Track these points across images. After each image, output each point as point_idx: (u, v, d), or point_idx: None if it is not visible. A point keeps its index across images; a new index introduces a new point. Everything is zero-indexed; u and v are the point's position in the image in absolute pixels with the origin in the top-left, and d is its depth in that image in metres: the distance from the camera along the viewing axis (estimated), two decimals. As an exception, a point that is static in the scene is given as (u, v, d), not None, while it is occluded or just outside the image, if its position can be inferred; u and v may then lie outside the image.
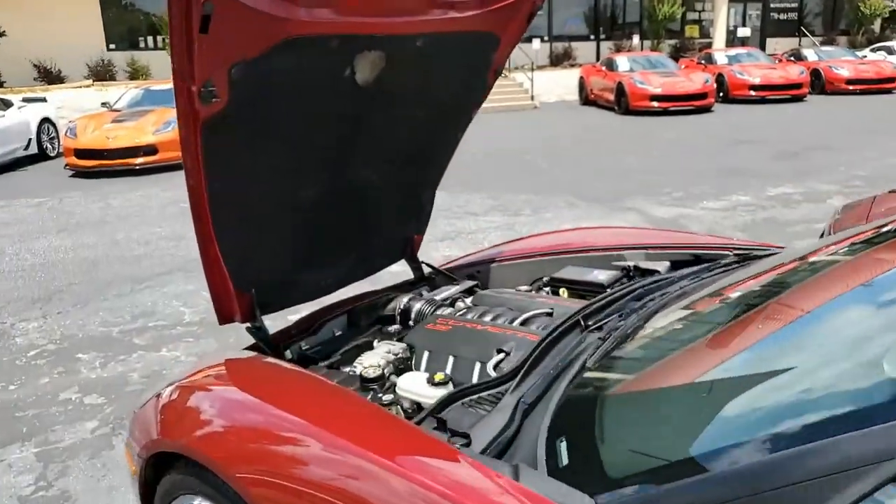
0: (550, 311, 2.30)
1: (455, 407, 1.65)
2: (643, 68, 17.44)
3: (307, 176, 2.42)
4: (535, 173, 9.76)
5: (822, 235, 4.24)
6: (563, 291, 2.59)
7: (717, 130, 13.19)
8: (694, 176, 8.90)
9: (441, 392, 1.80)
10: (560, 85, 20.88)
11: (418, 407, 1.85)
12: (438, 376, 1.82)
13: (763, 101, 17.55)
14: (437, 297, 2.69)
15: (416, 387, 1.84)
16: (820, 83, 18.95)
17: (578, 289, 2.58)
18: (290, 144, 2.22)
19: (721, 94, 17.82)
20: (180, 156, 1.93)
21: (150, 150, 11.16)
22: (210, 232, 2.15)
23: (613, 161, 10.45)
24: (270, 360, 2.17)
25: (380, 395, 1.82)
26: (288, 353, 2.40)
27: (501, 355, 1.96)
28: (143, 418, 1.99)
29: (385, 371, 1.98)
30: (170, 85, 12.94)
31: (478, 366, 2.01)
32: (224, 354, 2.41)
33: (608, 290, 2.52)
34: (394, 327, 2.38)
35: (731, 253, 2.57)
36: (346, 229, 2.69)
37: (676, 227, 6.63)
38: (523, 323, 2.22)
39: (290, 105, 2.11)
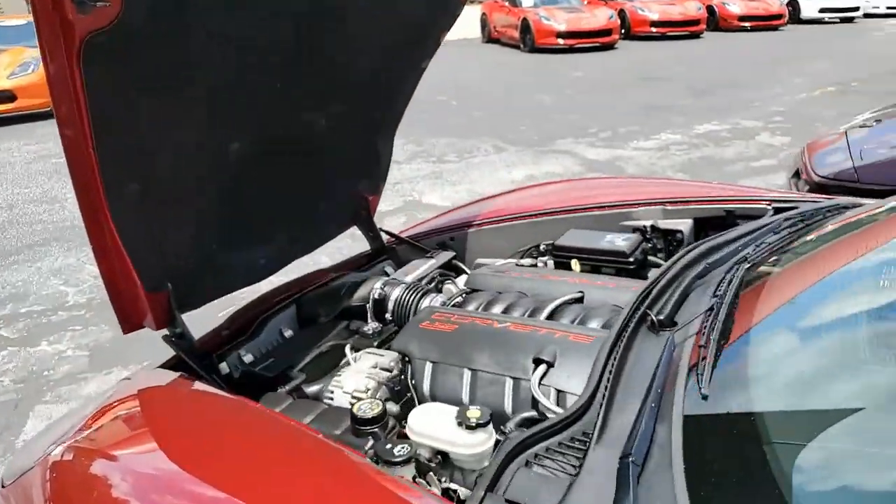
0: (580, 294, 1.76)
1: (519, 471, 1.10)
2: (547, 3, 16.94)
3: (234, 124, 1.75)
4: (452, 115, 9.14)
5: (793, 176, 3.94)
6: (574, 263, 2.06)
7: (625, 67, 12.97)
8: (615, 115, 8.58)
9: (481, 439, 1.24)
10: (460, 21, 20.05)
11: (443, 458, 1.28)
12: (473, 413, 1.25)
13: (663, 37, 17.55)
14: (414, 278, 2.10)
15: (441, 431, 1.26)
16: (714, 20, 19.18)
17: (592, 259, 2.06)
18: (209, 81, 1.54)
19: (623, 31, 17.67)
20: (47, 102, 1.21)
21: (6, 96, 9.62)
22: (102, 208, 1.47)
23: (529, 101, 9.97)
24: (202, 387, 1.54)
25: (388, 446, 1.23)
26: (224, 367, 1.76)
27: (542, 367, 1.42)
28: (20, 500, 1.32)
29: (382, 400, 1.38)
30: (26, 19, 11.16)
31: (509, 384, 1.45)
32: (134, 378, 1.73)
33: (631, 258, 2.02)
34: (370, 326, 1.77)
35: (769, 206, 2.11)
36: (284, 192, 2.04)
37: (614, 170, 6.28)
38: (551, 315, 1.68)
39: (211, 25, 1.44)
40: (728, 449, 1.07)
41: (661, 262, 2.11)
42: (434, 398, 1.51)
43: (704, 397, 1.15)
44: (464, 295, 1.87)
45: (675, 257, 1.71)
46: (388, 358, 1.59)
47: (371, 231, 2.43)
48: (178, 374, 1.67)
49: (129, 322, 1.68)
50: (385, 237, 2.45)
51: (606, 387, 1.22)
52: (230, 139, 1.80)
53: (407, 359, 1.60)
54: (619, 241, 2.07)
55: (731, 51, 14.84)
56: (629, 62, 13.72)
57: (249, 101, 1.75)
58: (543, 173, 6.27)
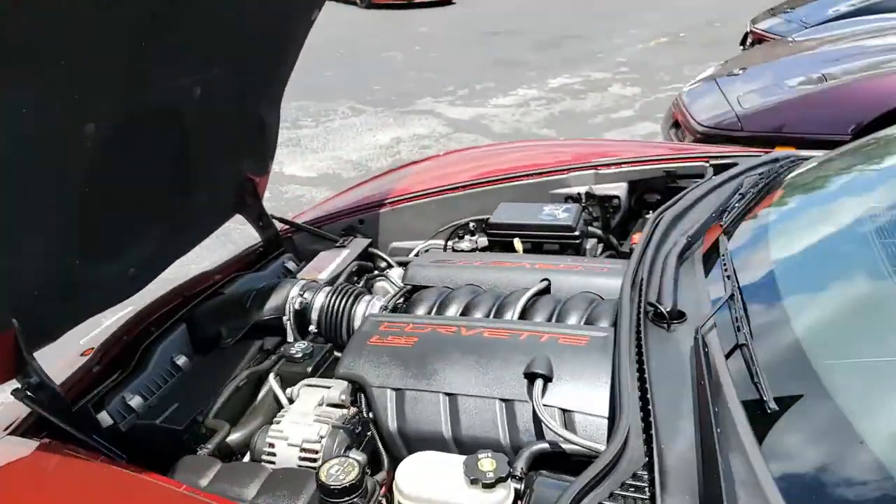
0: (547, 283, 1.52)
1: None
2: (381, -42, 16.32)
3: (87, 100, 1.32)
4: (299, 75, 8.51)
5: (672, 126, 3.95)
6: (517, 243, 1.81)
7: (467, 22, 12.83)
8: (467, 71, 8.41)
9: (500, 497, 0.96)
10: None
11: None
12: (487, 465, 0.96)
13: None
14: (329, 275, 1.75)
15: (448, 494, 0.97)
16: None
17: (534, 236, 1.82)
18: (50, 46, 1.11)
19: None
20: None
21: None
22: None
23: (378, 59, 9.54)
24: (77, 454, 1.15)
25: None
26: (106, 418, 1.34)
27: (539, 383, 1.15)
28: None
29: (352, 456, 1.05)
30: None
31: (499, 408, 1.18)
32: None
33: (577, 232, 1.80)
34: (297, 347, 1.41)
35: (706, 164, 1.98)
36: (154, 182, 1.61)
37: (480, 128, 6.11)
38: (523, 313, 1.41)
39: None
40: (840, 485, 0.87)
41: (599, 231, 1.92)
42: (404, 436, 1.21)
43: (769, 413, 0.95)
44: (406, 295, 1.56)
45: (646, 233, 1.51)
46: (336, 390, 1.25)
47: (261, 219, 2.02)
48: (39, 440, 1.24)
49: None
50: (278, 225, 2.07)
51: (644, 406, 0.99)
52: (83, 120, 1.35)
53: (359, 388, 1.27)
54: (560, 214, 1.84)
55: (568, 3, 15.16)
56: (471, 17, 13.60)
57: (105, 69, 1.30)
58: (411, 135, 5.97)
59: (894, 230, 1.24)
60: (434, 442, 1.18)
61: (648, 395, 1.00)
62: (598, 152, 2.11)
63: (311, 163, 5.35)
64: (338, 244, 1.95)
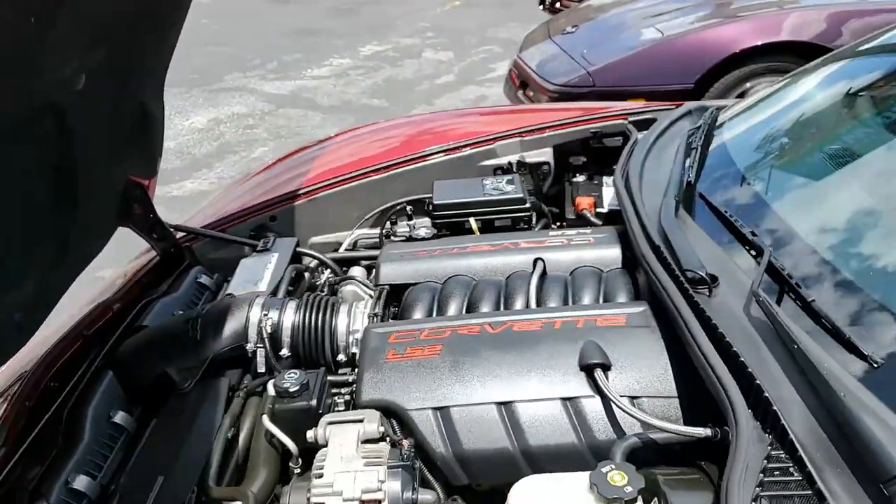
0: (542, 263, 1.41)
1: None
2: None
3: None
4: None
5: (520, 89, 3.99)
6: (472, 222, 1.68)
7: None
8: (270, 43, 7.89)
9: (639, 510, 0.86)
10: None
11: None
12: (618, 478, 0.85)
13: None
14: (269, 285, 1.51)
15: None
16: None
17: (486, 213, 1.70)
18: None
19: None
20: None
21: None
22: None
23: (164, 34, 8.64)
24: None
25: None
26: None
27: (601, 373, 1.06)
28: None
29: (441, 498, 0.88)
30: None
31: (560, 409, 1.06)
32: None
33: (528, 204, 1.72)
34: (288, 378, 1.16)
35: (625, 121, 1.99)
36: (32, 201, 1.28)
37: (304, 102, 5.78)
38: (539, 300, 1.30)
39: None
40: None
41: (540, 202, 1.86)
42: (462, 460, 1.06)
43: (876, 365, 0.94)
44: (377, 297, 1.38)
45: (624, 198, 1.47)
46: (372, 423, 1.06)
47: (155, 230, 1.69)
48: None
49: None
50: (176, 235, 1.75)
51: (742, 379, 0.94)
52: None
53: (391, 415, 1.09)
54: (506, 187, 1.75)
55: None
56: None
57: None
58: (230, 115, 5.49)
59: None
60: (499, 459, 1.05)
61: (747, 367, 0.95)
62: (517, 119, 2.03)
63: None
64: (259, 248, 1.69)
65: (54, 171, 1.30)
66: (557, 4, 6.71)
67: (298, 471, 1.14)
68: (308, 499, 0.98)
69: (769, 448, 0.87)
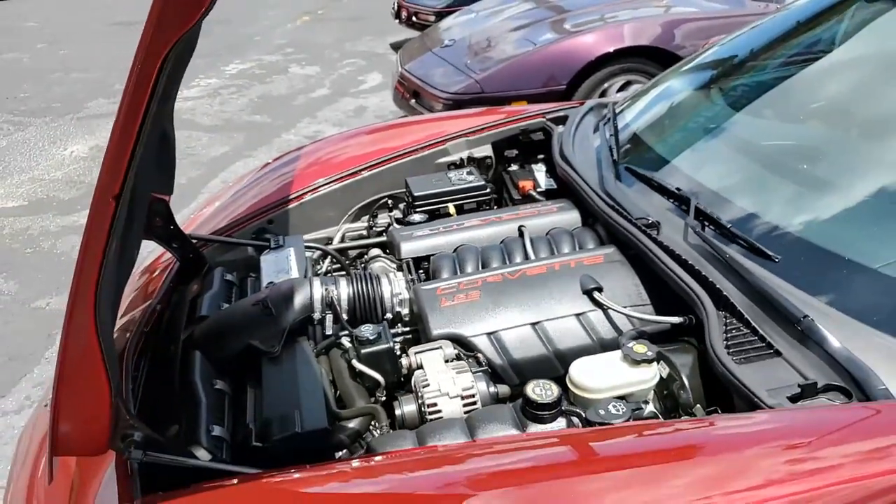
0: (525, 228, 1.83)
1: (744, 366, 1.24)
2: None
3: None
4: None
5: (412, 98, 4.41)
6: (451, 207, 2.08)
7: (83, 13, 11.51)
8: (123, 67, 7.73)
9: (655, 368, 1.31)
10: None
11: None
12: (640, 349, 1.30)
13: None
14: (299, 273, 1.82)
15: (620, 378, 1.27)
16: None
17: (458, 200, 2.10)
18: None
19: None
20: None
21: None
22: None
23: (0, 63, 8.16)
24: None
25: (608, 410, 1.19)
26: (204, 455, 1.32)
27: (598, 294, 1.52)
28: None
29: (545, 381, 1.28)
30: None
31: (575, 322, 1.50)
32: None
33: (488, 189, 2.15)
34: (365, 330, 1.49)
35: (543, 119, 2.47)
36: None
37: (185, 123, 5.82)
38: (535, 254, 1.72)
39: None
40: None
41: (491, 185, 2.30)
42: (515, 366, 1.46)
43: (775, 259, 1.45)
44: (422, 267, 1.74)
45: (570, 175, 1.93)
46: (449, 347, 1.44)
47: (176, 240, 1.93)
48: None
49: (85, 444, 1.14)
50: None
51: (701, 280, 1.42)
52: None
53: (458, 342, 1.47)
54: (468, 177, 2.16)
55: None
56: (84, 6, 12.18)
57: None
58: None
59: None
60: (542, 362, 1.46)
61: (701, 272, 1.43)
62: (459, 124, 2.45)
63: (8, 190, 4.57)
64: (272, 246, 1.98)
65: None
66: (414, 18, 7.22)
67: (384, 399, 1.48)
68: (422, 403, 1.34)
69: (724, 319, 1.36)
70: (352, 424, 1.35)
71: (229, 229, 2.11)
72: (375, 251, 1.93)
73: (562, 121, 2.42)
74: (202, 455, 1.31)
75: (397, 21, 7.59)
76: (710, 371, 1.30)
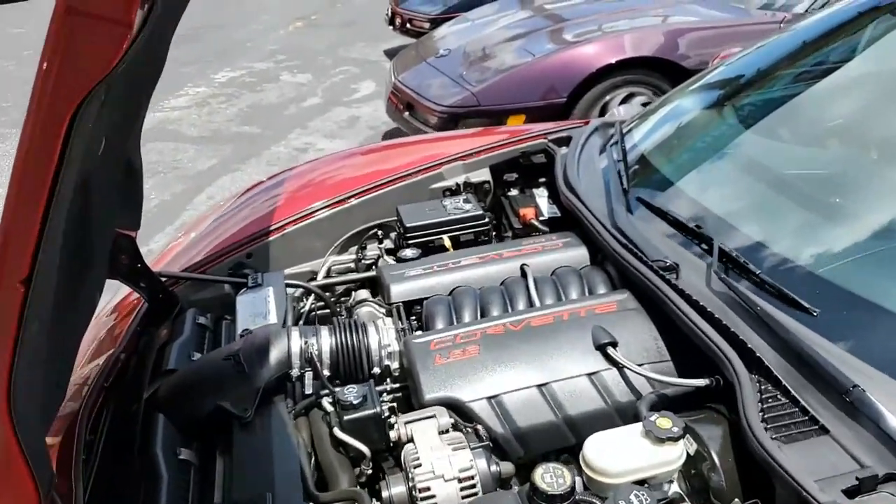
0: (528, 268, 1.66)
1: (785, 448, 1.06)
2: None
3: None
4: None
5: (405, 110, 4.24)
6: (445, 240, 1.90)
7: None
8: (115, 73, 7.55)
9: (682, 446, 1.14)
10: None
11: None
12: (664, 423, 1.11)
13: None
14: (278, 319, 1.64)
15: (642, 459, 1.09)
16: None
17: (454, 230, 1.93)
18: None
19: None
20: None
21: None
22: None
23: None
24: None
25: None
26: None
27: (612, 350, 1.34)
28: None
29: (557, 465, 1.10)
30: None
31: (587, 383, 1.33)
32: None
33: (487, 220, 1.97)
34: (349, 391, 1.30)
35: (545, 140, 2.30)
36: (68, 265, 1.35)
37: (170, 134, 5.63)
38: (539, 298, 1.55)
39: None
40: None
41: (490, 214, 2.12)
42: (519, 435, 1.29)
43: (814, 313, 1.28)
44: (414, 312, 1.57)
45: (575, 206, 1.76)
46: (443, 416, 1.26)
47: (143, 279, 1.75)
48: None
49: None
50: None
51: (727, 335, 1.24)
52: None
53: (453, 407, 1.30)
54: (465, 206, 1.99)
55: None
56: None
57: None
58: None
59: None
60: (550, 430, 1.29)
61: (729, 328, 1.26)
62: (453, 146, 2.28)
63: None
64: (250, 284, 1.80)
65: (79, 236, 1.36)
66: (408, 25, 7.05)
67: (370, 472, 1.31)
68: (413, 486, 1.16)
69: (759, 385, 1.19)
70: None
71: (205, 264, 1.93)
72: (363, 293, 1.75)
73: (565, 142, 2.25)
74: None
75: (391, 28, 7.43)
76: (742, 444, 1.13)
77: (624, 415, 1.31)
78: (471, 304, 1.56)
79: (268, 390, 1.41)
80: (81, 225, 1.36)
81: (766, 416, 1.13)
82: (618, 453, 1.13)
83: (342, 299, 1.90)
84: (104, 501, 1.26)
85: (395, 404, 1.41)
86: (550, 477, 1.07)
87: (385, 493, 1.19)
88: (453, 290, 1.63)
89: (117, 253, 1.68)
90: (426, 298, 1.61)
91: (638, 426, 1.16)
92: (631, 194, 1.77)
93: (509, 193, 2.23)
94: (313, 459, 1.31)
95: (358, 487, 1.25)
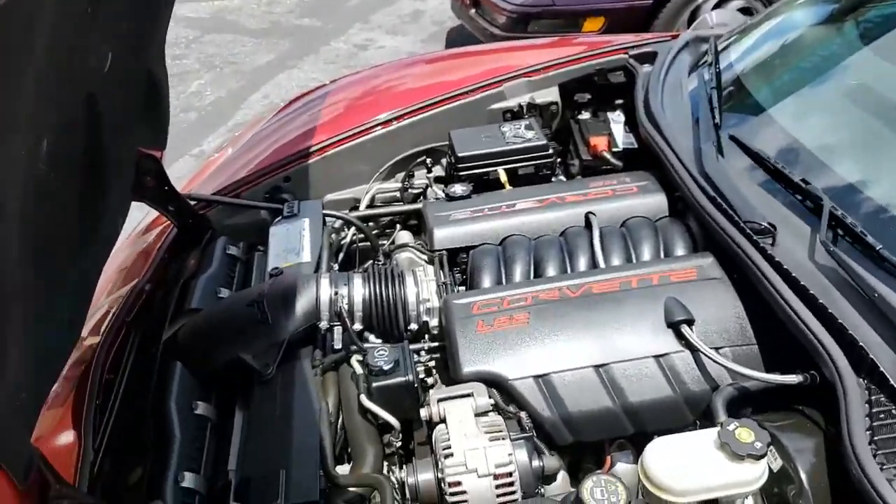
0: (594, 217, 1.44)
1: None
2: None
3: (41, 109, 0.93)
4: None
5: (472, 7, 3.88)
6: (501, 173, 1.68)
7: None
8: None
9: (764, 464, 0.95)
10: None
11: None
12: (745, 435, 0.92)
13: None
14: (313, 257, 1.48)
15: (717, 476, 0.91)
16: None
17: (511, 162, 1.70)
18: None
19: None
20: None
21: None
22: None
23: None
24: None
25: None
26: None
27: (687, 329, 1.13)
28: None
29: (611, 477, 0.93)
30: None
31: (654, 366, 1.13)
32: None
33: (550, 150, 1.73)
34: (378, 355, 1.15)
35: (626, 55, 1.99)
36: (73, 192, 1.22)
37: (229, 25, 5.41)
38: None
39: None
40: None
41: (553, 143, 1.88)
42: (568, 422, 1.12)
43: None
44: (459, 261, 1.39)
45: (656, 142, 1.50)
46: (483, 396, 1.10)
47: (171, 202, 1.62)
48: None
49: None
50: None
51: (831, 326, 1.01)
52: (38, 136, 0.94)
53: (494, 385, 1.13)
54: (526, 133, 1.75)
55: None
56: None
57: (52, 60, 0.92)
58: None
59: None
60: (603, 418, 1.12)
61: (836, 318, 1.03)
62: (520, 59, 2.01)
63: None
64: (285, 213, 1.64)
65: (86, 157, 1.22)
66: None
67: (399, 444, 1.18)
68: (443, 479, 1.02)
69: (868, 394, 0.97)
70: (349, 497, 1.04)
71: (239, 187, 1.78)
72: (404, 236, 1.57)
73: (649, 58, 1.94)
74: (162, 512, 1.05)
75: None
76: (839, 467, 0.93)
77: (694, 406, 1.12)
78: (523, 258, 1.36)
79: (293, 344, 1.28)
80: (89, 147, 1.22)
81: (875, 436, 0.92)
82: (685, 467, 0.95)
83: (386, 231, 1.73)
84: (118, 454, 1.18)
85: (433, 363, 1.27)
86: (601, 492, 0.91)
87: (411, 480, 1.05)
88: (505, 238, 1.43)
89: (142, 174, 1.55)
90: (473, 247, 1.42)
91: (711, 433, 0.97)
92: (723, 131, 1.50)
93: (580, 117, 1.97)
94: (340, 420, 1.18)
95: (383, 468, 1.11)
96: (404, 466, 1.10)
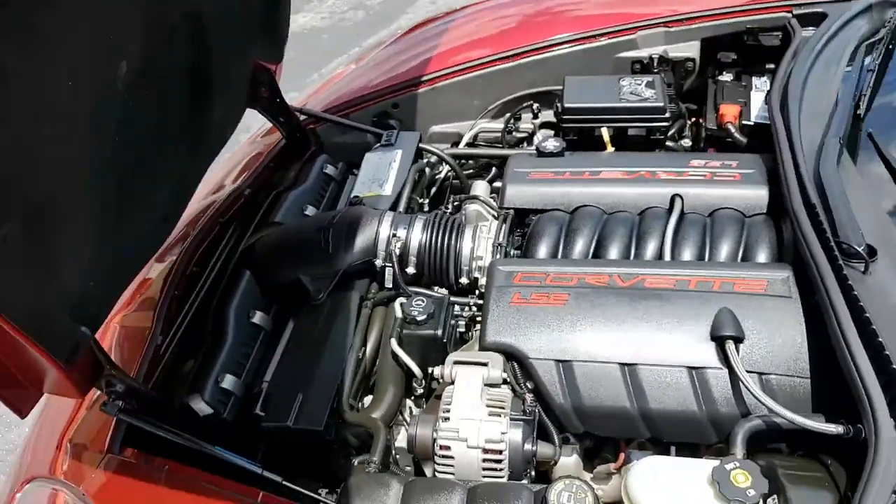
0: (680, 202, 1.33)
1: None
2: None
3: (120, 35, 1.00)
4: None
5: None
6: (604, 132, 1.58)
7: None
8: None
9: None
10: None
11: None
12: (741, 477, 0.86)
13: None
14: (394, 189, 1.51)
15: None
16: None
17: (619, 121, 1.59)
18: None
19: None
20: None
21: None
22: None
23: None
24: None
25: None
26: (204, 408, 1.16)
27: (732, 347, 1.04)
28: None
29: (581, 482, 0.93)
30: None
31: (685, 378, 1.06)
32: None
33: (668, 114, 1.59)
34: (416, 305, 1.19)
35: (789, 13, 1.75)
36: (171, 104, 1.30)
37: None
38: (674, 246, 1.26)
39: None
40: None
41: (683, 110, 1.72)
42: (580, 412, 1.09)
43: None
44: (511, 224, 1.36)
45: (780, 129, 1.33)
46: (496, 369, 1.10)
47: (281, 114, 1.70)
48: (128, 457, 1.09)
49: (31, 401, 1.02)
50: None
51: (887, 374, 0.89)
52: (116, 59, 1.02)
53: (513, 358, 1.12)
54: (645, 91, 1.61)
55: None
56: None
57: None
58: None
59: None
60: (617, 417, 1.08)
61: (891, 364, 0.90)
62: (659, 6, 1.82)
63: None
64: (383, 141, 1.67)
65: (190, 70, 1.30)
66: None
67: (422, 391, 1.22)
68: (434, 439, 1.05)
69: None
70: (354, 433, 1.11)
71: (350, 107, 1.83)
72: (480, 187, 1.53)
73: (816, 20, 1.69)
74: (202, 408, 1.18)
75: None
76: None
77: (720, 428, 1.05)
78: (588, 233, 1.30)
79: (349, 275, 1.33)
80: (193, 64, 1.31)
81: (897, 513, 0.82)
82: (668, 494, 0.90)
83: (482, 172, 1.72)
84: (186, 346, 1.33)
85: (478, 315, 1.27)
86: (569, 498, 0.89)
87: (412, 430, 1.09)
88: (577, 208, 1.37)
89: (256, 84, 1.63)
90: (544, 211, 1.37)
91: (708, 465, 0.91)
92: (864, 125, 1.30)
93: (720, 78, 1.78)
94: (368, 357, 1.24)
95: (398, 411, 1.17)
96: (414, 414, 1.14)
